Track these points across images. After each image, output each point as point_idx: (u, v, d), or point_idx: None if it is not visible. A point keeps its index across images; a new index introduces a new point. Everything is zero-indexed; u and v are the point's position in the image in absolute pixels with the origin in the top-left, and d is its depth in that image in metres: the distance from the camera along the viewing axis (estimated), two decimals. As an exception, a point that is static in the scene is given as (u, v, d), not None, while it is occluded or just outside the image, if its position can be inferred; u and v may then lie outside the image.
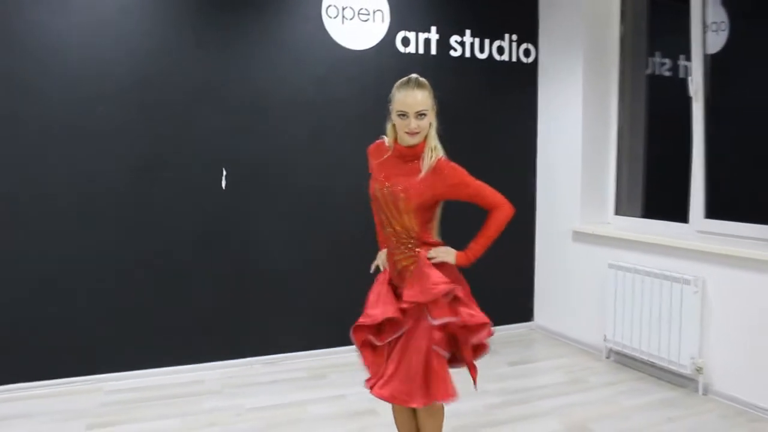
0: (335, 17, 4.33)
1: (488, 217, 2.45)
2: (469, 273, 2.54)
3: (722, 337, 3.68)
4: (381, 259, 2.68)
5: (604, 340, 4.40)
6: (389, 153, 2.47)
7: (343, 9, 4.35)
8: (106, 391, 3.83)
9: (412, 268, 2.45)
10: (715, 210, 4.01)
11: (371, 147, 2.60)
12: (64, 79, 3.77)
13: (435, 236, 2.51)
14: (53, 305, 3.82)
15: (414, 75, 2.41)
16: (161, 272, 4.05)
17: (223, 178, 4.13)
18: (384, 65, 4.44)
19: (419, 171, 2.38)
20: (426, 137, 2.40)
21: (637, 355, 4.14)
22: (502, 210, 2.44)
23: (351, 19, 4.37)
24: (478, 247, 2.45)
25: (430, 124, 2.40)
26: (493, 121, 4.93)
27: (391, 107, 2.40)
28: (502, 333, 4.95)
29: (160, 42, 3.96)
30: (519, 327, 5.16)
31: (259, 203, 4.25)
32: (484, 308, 2.48)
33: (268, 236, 4.30)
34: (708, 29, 4.01)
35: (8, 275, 3.73)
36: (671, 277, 3.87)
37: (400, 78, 2.42)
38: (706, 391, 3.77)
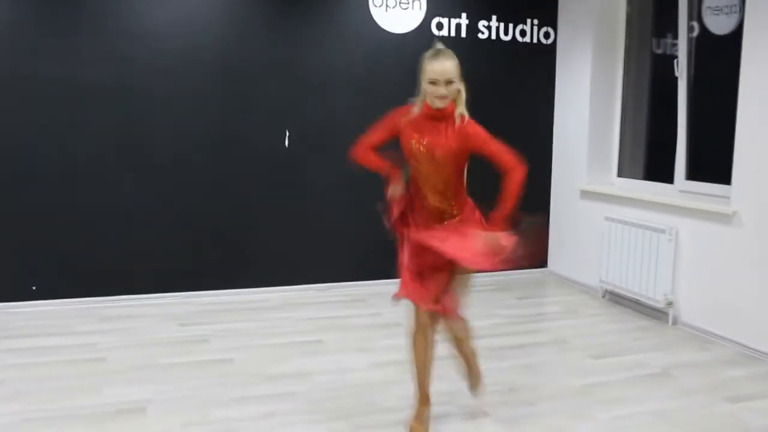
0: (380, 6, 5.20)
1: (507, 180, 2.71)
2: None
3: (690, 277, 4.46)
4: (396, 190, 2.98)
5: (600, 281, 5.22)
6: (418, 114, 2.78)
7: (387, -1, 5.23)
8: (194, 303, 4.92)
9: (454, 213, 2.86)
10: (696, 172, 4.75)
11: (398, 109, 2.89)
12: (165, 58, 4.80)
13: (464, 187, 2.88)
14: (155, 239, 4.92)
15: (440, 46, 2.74)
16: (237, 212, 5.09)
17: (287, 138, 5.10)
18: (421, 47, 5.17)
19: (448, 129, 2.73)
20: (456, 102, 2.74)
21: (623, 293, 4.95)
22: (518, 171, 2.72)
23: (393, 7, 5.23)
24: (507, 210, 2.73)
25: (459, 91, 2.72)
26: (517, 96, 5.72)
27: (422, 76, 2.71)
28: (519, 276, 5.83)
29: (238, 27, 4.94)
30: (534, 272, 6.00)
31: (314, 159, 5.21)
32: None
33: (321, 187, 5.27)
34: (709, 12, 4.60)
35: (126, 217, 4.83)
36: (651, 227, 4.66)
37: None
38: (675, 322, 4.56)
